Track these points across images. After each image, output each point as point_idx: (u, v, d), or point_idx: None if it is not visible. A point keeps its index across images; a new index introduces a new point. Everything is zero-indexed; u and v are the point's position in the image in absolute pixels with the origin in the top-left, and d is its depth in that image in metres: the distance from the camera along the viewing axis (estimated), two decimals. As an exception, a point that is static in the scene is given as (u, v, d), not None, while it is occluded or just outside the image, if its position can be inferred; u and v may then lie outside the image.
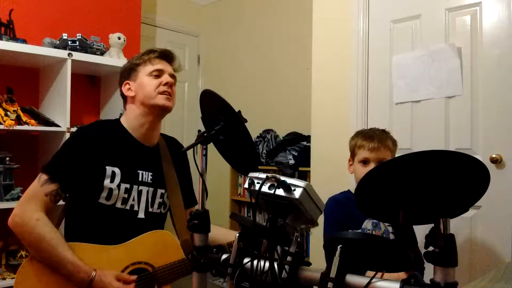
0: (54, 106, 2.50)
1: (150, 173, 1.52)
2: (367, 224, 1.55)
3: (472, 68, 1.96)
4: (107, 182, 1.42)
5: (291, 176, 2.95)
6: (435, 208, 0.69)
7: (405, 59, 2.18)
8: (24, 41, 2.36)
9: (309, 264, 0.82)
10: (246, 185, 0.89)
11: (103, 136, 1.47)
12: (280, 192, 0.82)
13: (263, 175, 0.85)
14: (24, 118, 2.29)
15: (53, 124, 2.40)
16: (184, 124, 4.09)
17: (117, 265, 1.38)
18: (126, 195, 1.45)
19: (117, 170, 1.44)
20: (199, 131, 1.08)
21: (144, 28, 3.41)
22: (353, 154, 1.61)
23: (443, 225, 0.68)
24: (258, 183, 0.85)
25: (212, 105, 1.06)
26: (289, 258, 0.81)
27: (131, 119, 1.53)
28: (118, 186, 1.43)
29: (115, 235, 1.41)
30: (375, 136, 1.55)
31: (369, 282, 0.71)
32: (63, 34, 2.48)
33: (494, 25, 1.91)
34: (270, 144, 3.26)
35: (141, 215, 1.48)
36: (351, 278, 0.74)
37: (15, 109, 2.27)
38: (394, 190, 0.73)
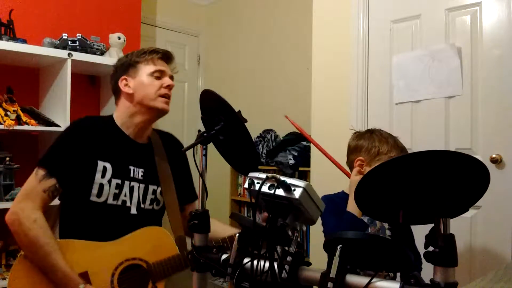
0: (54, 106, 2.51)
1: (141, 170, 1.51)
2: (363, 219, 1.55)
3: (472, 68, 1.96)
4: (98, 177, 1.41)
5: (291, 176, 2.95)
6: (435, 208, 0.69)
7: (405, 59, 2.18)
8: (24, 41, 2.36)
9: (309, 264, 0.82)
10: (246, 185, 0.89)
11: (95, 131, 1.46)
12: (280, 192, 0.82)
13: (263, 175, 0.85)
14: (24, 118, 2.29)
15: (53, 124, 2.40)
16: (184, 124, 4.09)
17: (111, 261, 1.38)
18: (117, 191, 1.45)
19: (108, 165, 1.44)
20: (199, 131, 1.08)
21: (144, 28, 3.42)
22: (373, 158, 1.56)
23: (443, 225, 0.68)
24: (258, 183, 0.85)
25: (212, 105, 1.06)
26: (289, 258, 0.81)
27: (125, 116, 1.52)
28: (109, 181, 1.43)
29: (108, 232, 1.41)
30: (400, 145, 1.56)
31: (369, 282, 0.71)
32: (63, 34, 2.48)
33: (494, 25, 1.91)
34: (270, 144, 3.26)
35: (133, 211, 1.48)
36: (351, 278, 0.74)
37: (15, 109, 2.28)
38: (394, 190, 0.73)
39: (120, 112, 1.54)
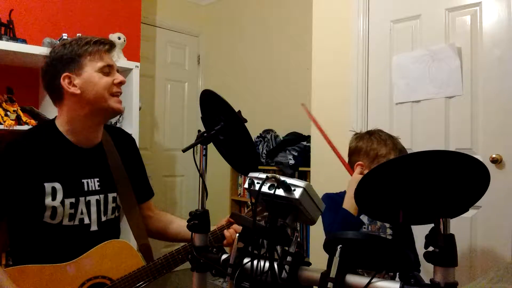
0: (54, 106, 2.50)
1: (96, 179, 1.37)
2: (363, 218, 1.55)
3: (472, 68, 1.96)
4: (48, 200, 1.26)
5: (291, 176, 2.95)
6: (435, 208, 0.69)
7: (405, 59, 2.18)
8: (24, 41, 2.36)
9: (309, 264, 0.82)
10: (246, 185, 0.89)
11: (36, 148, 1.29)
12: (280, 192, 0.82)
13: (263, 175, 0.85)
14: (24, 118, 2.29)
15: (53, 124, 2.40)
16: (184, 124, 4.09)
17: (72, 283, 1.27)
18: (72, 210, 1.30)
19: (57, 185, 1.28)
20: (199, 131, 1.07)
21: (144, 28, 3.42)
22: (371, 159, 1.57)
23: (443, 225, 0.68)
24: (258, 183, 0.85)
25: (212, 105, 1.06)
26: (289, 258, 0.81)
27: (71, 120, 1.33)
28: (62, 202, 1.28)
29: (67, 253, 1.28)
30: (399, 146, 1.58)
31: (369, 282, 0.71)
32: (63, 34, 2.48)
33: (494, 25, 1.91)
34: (270, 144, 3.26)
35: (93, 227, 1.35)
36: (351, 278, 0.74)
37: (15, 109, 2.28)
38: (394, 190, 0.73)
39: (65, 117, 1.34)
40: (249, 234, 0.87)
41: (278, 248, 0.84)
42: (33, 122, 2.32)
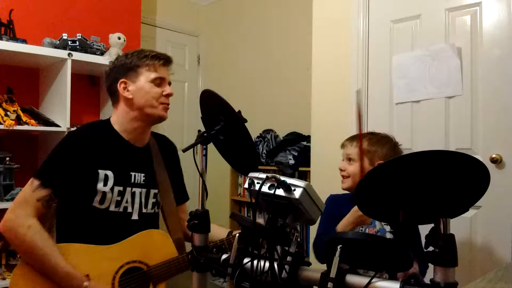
0: (54, 106, 2.50)
1: (142, 174, 1.51)
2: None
3: (472, 68, 1.96)
4: (100, 185, 1.41)
5: (291, 176, 2.95)
6: (435, 208, 0.69)
7: (405, 59, 2.18)
8: (24, 41, 2.36)
9: (309, 264, 0.82)
10: (246, 185, 0.89)
11: (94, 139, 1.45)
12: (280, 192, 0.82)
13: (263, 175, 0.85)
14: (24, 118, 2.29)
15: (53, 124, 2.40)
16: (184, 124, 4.09)
17: (112, 264, 1.38)
18: (119, 198, 1.45)
19: (109, 173, 1.43)
20: (199, 131, 1.08)
21: (144, 28, 3.42)
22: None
23: (443, 225, 0.68)
24: (258, 183, 0.86)
25: (212, 105, 1.06)
26: (289, 258, 0.81)
27: (124, 121, 1.51)
28: (112, 189, 1.43)
29: (108, 237, 1.40)
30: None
31: (369, 282, 0.71)
32: (63, 34, 2.48)
33: (494, 25, 1.91)
34: (270, 144, 3.26)
35: (135, 216, 1.49)
36: (351, 278, 0.74)
37: (15, 109, 2.28)
38: (394, 190, 0.73)
39: (118, 117, 1.52)
40: (249, 234, 0.87)
41: (278, 248, 0.84)
42: (33, 122, 2.32)
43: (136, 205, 1.49)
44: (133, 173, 1.49)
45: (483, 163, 0.67)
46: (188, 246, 1.46)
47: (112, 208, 1.44)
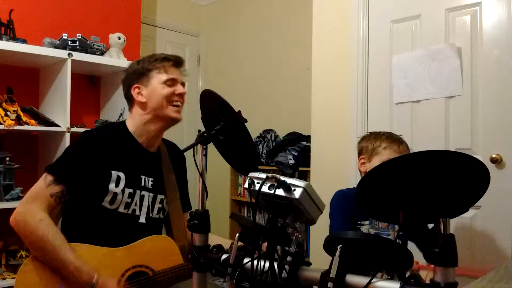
0: (54, 106, 2.50)
1: (151, 179, 1.53)
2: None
3: (472, 68, 1.96)
4: (112, 186, 1.42)
5: (291, 176, 2.95)
6: (435, 208, 0.69)
7: (405, 59, 2.18)
8: (24, 41, 2.36)
9: (309, 264, 0.82)
10: (246, 185, 0.89)
11: (109, 140, 1.47)
12: (280, 192, 0.82)
13: (263, 175, 0.85)
14: (24, 118, 2.29)
15: (53, 124, 2.40)
16: (184, 124, 4.08)
17: (119, 267, 1.38)
18: (129, 200, 1.46)
19: (122, 175, 1.45)
20: (199, 131, 1.08)
21: (144, 28, 3.41)
22: (371, 154, 1.62)
23: (443, 225, 0.68)
24: (258, 183, 0.85)
25: (212, 105, 1.06)
26: (289, 258, 0.81)
27: (138, 124, 1.53)
28: (123, 190, 1.44)
29: (115, 238, 1.41)
30: (401, 141, 1.62)
31: (369, 282, 0.71)
32: (63, 34, 2.48)
33: (494, 25, 1.91)
34: (270, 144, 3.26)
35: (142, 219, 1.49)
36: (351, 278, 0.74)
37: (15, 109, 2.27)
38: (394, 190, 0.73)
39: (133, 120, 1.54)
40: (249, 234, 0.87)
41: (278, 248, 0.84)
42: (33, 122, 2.32)
43: (144, 209, 1.50)
44: (143, 177, 1.50)
45: (483, 163, 0.67)
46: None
47: (121, 209, 1.45)
